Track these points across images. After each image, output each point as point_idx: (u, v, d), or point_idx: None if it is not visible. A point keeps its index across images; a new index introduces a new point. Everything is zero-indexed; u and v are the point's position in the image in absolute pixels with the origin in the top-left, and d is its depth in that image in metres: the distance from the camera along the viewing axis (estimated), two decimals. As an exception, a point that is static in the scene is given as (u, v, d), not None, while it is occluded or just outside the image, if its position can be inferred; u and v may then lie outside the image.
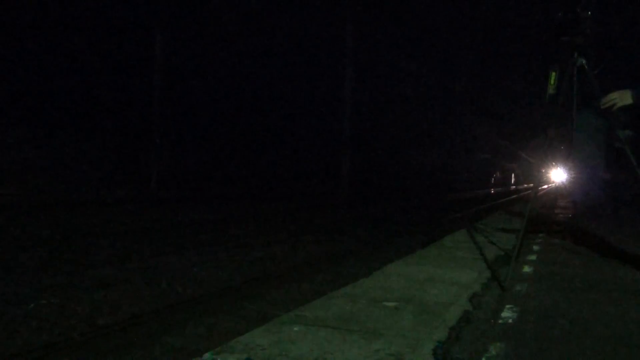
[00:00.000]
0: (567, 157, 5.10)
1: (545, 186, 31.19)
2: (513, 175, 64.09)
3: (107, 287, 4.85)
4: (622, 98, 3.75)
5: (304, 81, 26.28)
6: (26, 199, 14.16)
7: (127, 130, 21.37)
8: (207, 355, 2.11)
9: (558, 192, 16.70)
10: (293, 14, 22.66)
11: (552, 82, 3.70)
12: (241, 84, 25.69)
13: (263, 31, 23.37)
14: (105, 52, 20.80)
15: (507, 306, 2.92)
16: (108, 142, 20.31)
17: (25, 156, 17.17)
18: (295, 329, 2.38)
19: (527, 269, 4.12)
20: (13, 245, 7.09)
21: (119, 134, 20.89)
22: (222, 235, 8.89)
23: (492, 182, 58.06)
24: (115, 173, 20.02)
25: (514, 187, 56.01)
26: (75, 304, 4.27)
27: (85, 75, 20.61)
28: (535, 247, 5.40)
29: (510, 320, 2.65)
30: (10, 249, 6.81)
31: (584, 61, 3.64)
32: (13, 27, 18.24)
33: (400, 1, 25.05)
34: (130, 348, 3.33)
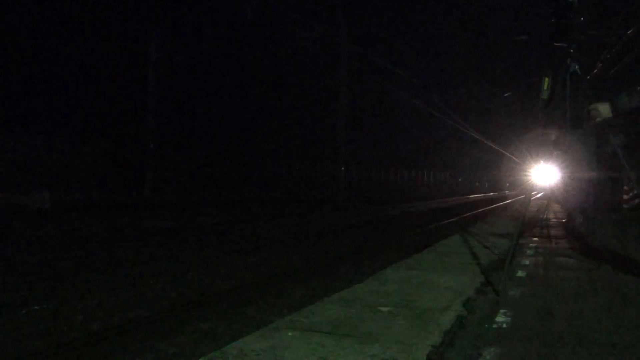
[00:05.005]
0: (561, 162, 5.13)
1: (538, 191, 31.32)
2: (507, 180, 64.30)
3: (101, 293, 4.81)
4: (601, 112, 3.74)
5: (302, 85, 26.31)
6: (22, 202, 14.06)
7: (121, 134, 21.31)
8: (201, 360, 2.11)
9: (552, 197, 16.80)
10: (291, 20, 22.73)
11: (545, 87, 3.73)
12: (238, 88, 25.68)
13: (261, 37, 23.43)
14: (99, 55, 20.76)
15: (501, 311, 2.92)
16: (103, 146, 20.22)
17: (20, 160, 17.10)
18: (290, 334, 2.38)
19: (520, 273, 4.14)
20: (9, 249, 7.05)
21: (113, 138, 20.81)
22: (216, 239, 8.86)
23: (486, 187, 58.25)
24: (109, 177, 19.94)
25: (507, 192, 56.23)
26: (69, 309, 4.23)
27: (79, 79, 20.57)
28: (529, 252, 5.42)
29: (504, 325, 2.65)
30: (6, 253, 6.77)
31: (577, 66, 3.67)
32: (12, 31, 18.23)
33: (392, 8, 25.18)
34: (124, 355, 3.31)
